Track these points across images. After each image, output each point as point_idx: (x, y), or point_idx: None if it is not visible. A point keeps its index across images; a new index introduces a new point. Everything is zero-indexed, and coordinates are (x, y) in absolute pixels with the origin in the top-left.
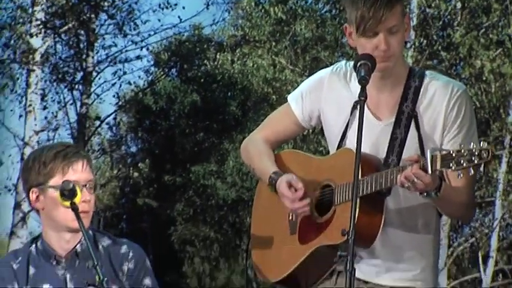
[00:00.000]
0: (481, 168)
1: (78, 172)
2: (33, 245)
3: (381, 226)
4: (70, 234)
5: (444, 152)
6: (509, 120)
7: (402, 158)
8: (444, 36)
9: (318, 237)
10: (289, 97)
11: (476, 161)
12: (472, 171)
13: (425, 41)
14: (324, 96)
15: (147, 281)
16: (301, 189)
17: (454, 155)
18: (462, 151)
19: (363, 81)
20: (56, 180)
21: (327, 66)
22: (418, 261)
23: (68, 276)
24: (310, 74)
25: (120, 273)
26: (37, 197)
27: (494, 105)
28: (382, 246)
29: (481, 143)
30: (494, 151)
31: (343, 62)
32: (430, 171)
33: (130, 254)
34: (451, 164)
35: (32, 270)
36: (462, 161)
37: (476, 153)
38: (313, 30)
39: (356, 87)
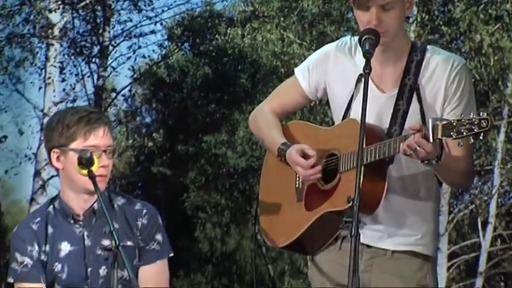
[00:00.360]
0: (481, 137)
1: (98, 138)
2: (51, 206)
3: (384, 193)
4: (87, 195)
5: (445, 122)
6: (507, 92)
7: (404, 128)
8: (445, 11)
9: (324, 204)
10: (296, 70)
11: (476, 130)
12: (472, 140)
13: (427, 16)
14: (329, 70)
15: (159, 237)
16: (313, 156)
17: (454, 124)
18: (462, 120)
19: (368, 55)
20: (78, 143)
21: (332, 40)
22: (419, 227)
23: (85, 233)
24: (317, 48)
25: (134, 229)
26: (58, 157)
27: (493, 78)
28: (385, 212)
29: (481, 113)
30: (493, 120)
31: (348, 36)
32: (431, 140)
33: (144, 210)
34: (451, 133)
35: (50, 230)
36: (462, 130)
37: (476, 123)
38: (320, 6)
39: (360, 61)
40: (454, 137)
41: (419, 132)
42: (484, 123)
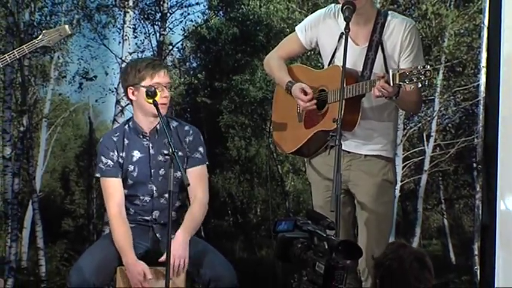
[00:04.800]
0: (426, 83)
1: (161, 77)
2: (127, 125)
3: (359, 117)
4: (153, 118)
5: (401, 71)
6: (444, 45)
7: (373, 72)
8: None
9: (317, 125)
10: (297, 28)
11: (422, 78)
12: (420, 85)
13: None
14: (320, 29)
15: (200, 149)
16: (310, 93)
17: (407, 73)
18: (413, 71)
19: (347, 19)
20: (146, 82)
21: (323, 7)
22: (384, 139)
23: (150, 145)
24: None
25: (183, 143)
26: (132, 92)
27: (434, 35)
28: (360, 130)
29: (427, 66)
30: (435, 74)
31: (333, 4)
32: (392, 84)
33: (191, 131)
34: (406, 80)
35: (126, 141)
36: (413, 78)
37: (423, 73)
38: None
39: (342, 23)
40: (407, 82)
41: (383, 78)
42: (428, 74)
